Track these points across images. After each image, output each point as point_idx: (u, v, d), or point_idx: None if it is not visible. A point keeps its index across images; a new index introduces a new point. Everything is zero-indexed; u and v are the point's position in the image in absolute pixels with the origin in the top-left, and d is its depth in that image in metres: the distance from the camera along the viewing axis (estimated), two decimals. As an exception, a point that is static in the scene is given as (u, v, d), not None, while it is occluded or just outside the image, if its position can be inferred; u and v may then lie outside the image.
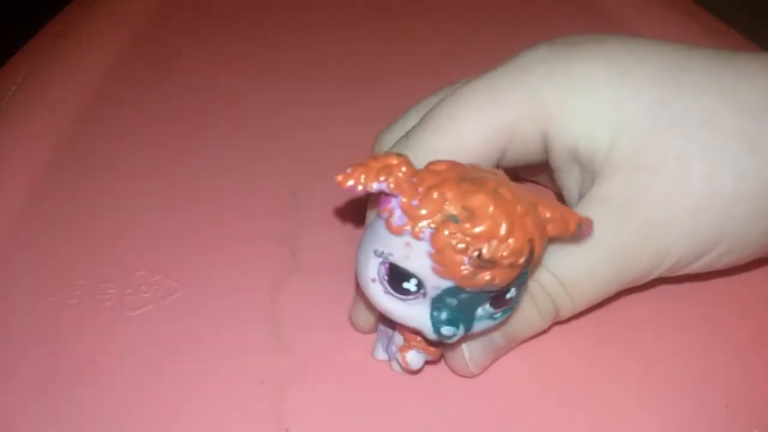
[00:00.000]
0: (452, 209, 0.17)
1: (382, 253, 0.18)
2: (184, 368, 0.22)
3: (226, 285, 0.25)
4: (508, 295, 0.18)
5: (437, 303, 0.18)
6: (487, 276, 0.17)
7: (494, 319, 0.19)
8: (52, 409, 0.21)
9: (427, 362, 0.21)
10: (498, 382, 0.22)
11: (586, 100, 0.21)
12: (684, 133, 0.20)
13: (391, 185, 0.17)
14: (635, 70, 0.21)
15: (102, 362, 0.22)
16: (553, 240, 0.19)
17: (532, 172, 0.27)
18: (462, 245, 0.17)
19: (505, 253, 0.17)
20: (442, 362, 0.22)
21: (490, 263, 0.17)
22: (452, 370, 0.22)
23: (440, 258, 0.17)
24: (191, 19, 0.42)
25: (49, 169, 0.30)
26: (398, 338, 0.21)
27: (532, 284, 0.20)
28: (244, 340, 0.23)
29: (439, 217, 0.17)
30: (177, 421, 0.21)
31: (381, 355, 0.22)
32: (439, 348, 0.21)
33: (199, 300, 0.24)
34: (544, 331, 0.22)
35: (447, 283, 0.18)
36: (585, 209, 0.20)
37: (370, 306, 0.20)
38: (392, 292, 0.18)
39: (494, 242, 0.17)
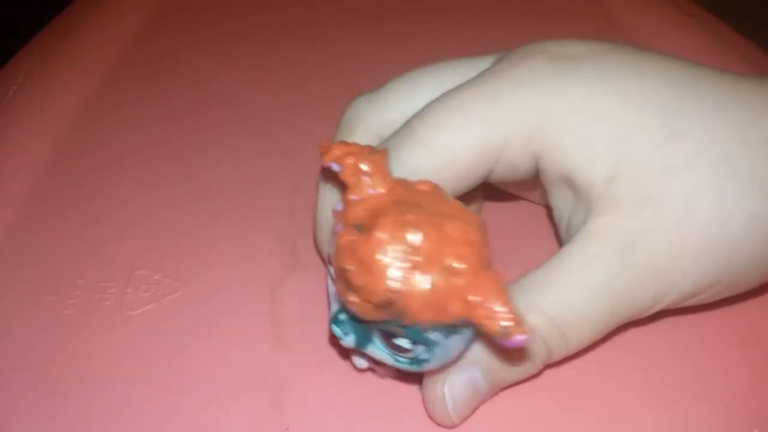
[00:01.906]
0: (365, 218, 0.17)
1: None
2: (184, 367, 0.22)
3: (226, 284, 0.25)
4: (397, 341, 0.17)
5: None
6: (351, 297, 0.16)
7: (395, 359, 0.18)
8: (52, 409, 0.21)
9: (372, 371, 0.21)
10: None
11: (587, 127, 0.19)
12: (695, 170, 0.19)
13: (346, 172, 0.17)
14: (641, 97, 0.19)
15: (102, 361, 0.22)
16: (474, 325, 0.17)
17: (522, 188, 0.26)
18: (345, 254, 0.16)
19: (360, 284, 0.16)
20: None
21: (349, 284, 0.16)
22: (432, 419, 0.20)
23: (333, 256, 0.17)
24: (191, 19, 0.42)
25: (48, 168, 0.30)
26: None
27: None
28: (244, 339, 0.23)
29: (351, 219, 0.17)
30: (177, 420, 0.21)
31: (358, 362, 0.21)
32: (386, 369, 0.20)
33: (199, 299, 0.24)
34: (534, 376, 0.20)
35: None
36: (582, 243, 0.19)
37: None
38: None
39: (364, 267, 0.16)
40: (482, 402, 0.20)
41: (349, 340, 0.18)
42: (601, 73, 0.20)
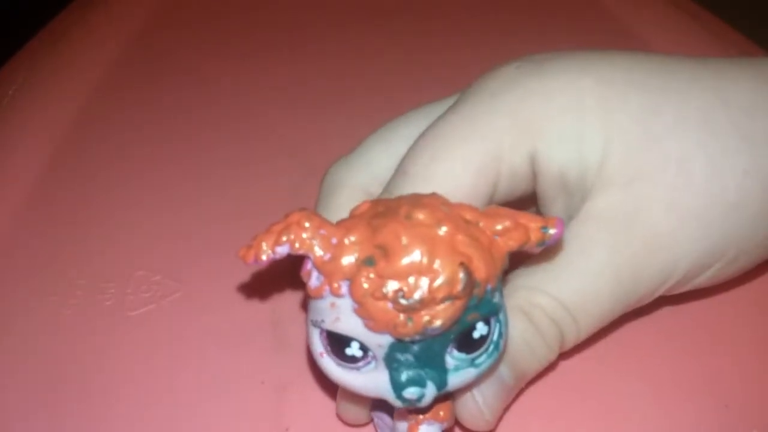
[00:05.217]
0: (365, 252, 0.15)
1: (315, 321, 0.16)
2: (184, 368, 0.22)
3: (226, 285, 0.25)
4: (477, 333, 0.16)
5: (392, 363, 0.16)
6: (425, 317, 0.15)
7: (477, 365, 0.16)
8: (52, 409, 0.21)
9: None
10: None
11: (571, 114, 0.19)
12: (682, 136, 0.19)
13: (297, 245, 0.15)
14: (618, 79, 0.20)
15: (102, 362, 0.22)
16: (519, 253, 0.16)
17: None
18: (383, 290, 0.15)
19: (433, 286, 0.15)
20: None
21: (419, 302, 0.14)
22: (466, 425, 0.19)
23: (365, 311, 0.15)
24: (191, 19, 0.42)
25: (49, 169, 0.30)
26: (401, 426, 0.18)
27: (534, 311, 0.19)
28: (244, 340, 0.23)
29: (352, 264, 0.15)
30: (177, 420, 0.21)
31: None
32: (448, 406, 0.18)
33: (199, 300, 0.24)
34: (552, 365, 0.20)
35: (387, 338, 0.15)
36: (580, 227, 0.19)
37: (354, 396, 0.18)
38: (340, 362, 0.16)
39: (416, 277, 0.15)
40: (510, 396, 0.20)
41: (429, 391, 0.16)
42: (570, 64, 0.20)
